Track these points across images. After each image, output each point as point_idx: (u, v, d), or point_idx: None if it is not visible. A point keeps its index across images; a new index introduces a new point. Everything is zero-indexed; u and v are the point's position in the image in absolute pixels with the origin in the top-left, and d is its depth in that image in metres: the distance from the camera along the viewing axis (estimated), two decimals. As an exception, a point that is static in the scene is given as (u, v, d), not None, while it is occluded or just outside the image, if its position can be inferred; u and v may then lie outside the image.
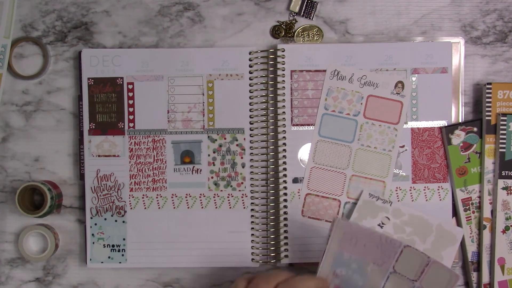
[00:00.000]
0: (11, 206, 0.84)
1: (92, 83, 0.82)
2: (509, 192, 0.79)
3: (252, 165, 0.82)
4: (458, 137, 0.80)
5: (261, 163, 0.82)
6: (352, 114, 0.81)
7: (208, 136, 0.82)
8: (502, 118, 0.79)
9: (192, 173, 0.82)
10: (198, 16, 0.84)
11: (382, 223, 0.78)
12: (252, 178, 0.82)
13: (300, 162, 0.82)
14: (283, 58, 0.81)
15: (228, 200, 0.82)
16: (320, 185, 0.82)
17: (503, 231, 0.79)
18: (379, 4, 0.83)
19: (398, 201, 0.81)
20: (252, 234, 0.82)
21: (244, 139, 0.82)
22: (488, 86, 0.80)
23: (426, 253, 0.65)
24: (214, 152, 0.82)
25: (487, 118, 0.80)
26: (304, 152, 0.82)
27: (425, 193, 0.81)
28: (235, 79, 0.82)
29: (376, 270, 0.67)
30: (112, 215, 0.82)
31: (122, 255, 0.82)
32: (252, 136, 0.82)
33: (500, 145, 0.79)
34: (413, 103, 0.81)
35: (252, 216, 0.82)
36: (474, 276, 0.80)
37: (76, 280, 0.84)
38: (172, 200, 0.82)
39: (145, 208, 0.82)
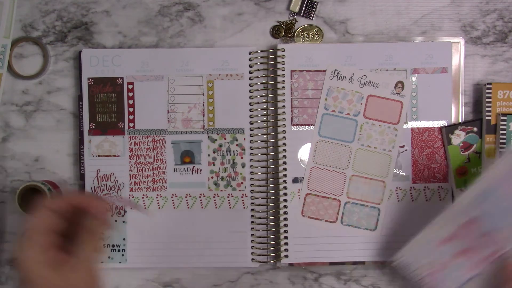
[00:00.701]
0: (11, 206, 0.84)
1: (92, 83, 0.82)
2: (509, 192, 0.79)
3: (252, 165, 0.82)
4: (458, 137, 0.80)
5: (261, 163, 0.82)
6: (352, 114, 0.81)
7: (208, 136, 0.82)
8: (502, 118, 0.79)
9: (192, 173, 0.82)
10: (198, 16, 0.84)
11: None
12: (252, 178, 0.82)
13: (300, 162, 0.82)
14: (283, 58, 0.81)
15: (228, 200, 0.82)
16: (320, 185, 0.82)
17: (503, 231, 0.79)
18: (379, 4, 0.83)
19: (398, 201, 0.81)
20: (252, 234, 0.82)
21: (244, 139, 0.82)
22: (488, 86, 0.80)
23: None
24: (214, 152, 0.82)
25: (487, 118, 0.80)
26: (304, 152, 0.82)
27: (425, 193, 0.81)
28: (235, 79, 0.82)
29: None
30: (112, 215, 0.82)
31: (122, 255, 0.82)
32: (252, 136, 0.82)
33: (500, 145, 0.79)
34: (413, 103, 0.81)
35: (252, 216, 0.82)
36: (474, 276, 0.80)
37: (76, 280, 0.84)
38: (172, 200, 0.82)
39: (145, 208, 0.82)
